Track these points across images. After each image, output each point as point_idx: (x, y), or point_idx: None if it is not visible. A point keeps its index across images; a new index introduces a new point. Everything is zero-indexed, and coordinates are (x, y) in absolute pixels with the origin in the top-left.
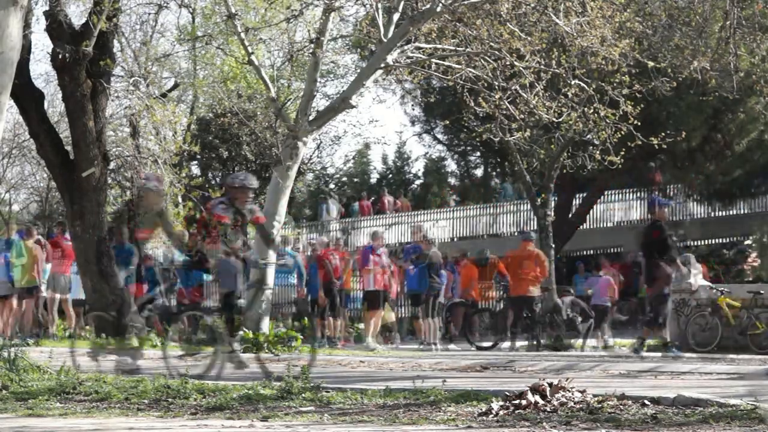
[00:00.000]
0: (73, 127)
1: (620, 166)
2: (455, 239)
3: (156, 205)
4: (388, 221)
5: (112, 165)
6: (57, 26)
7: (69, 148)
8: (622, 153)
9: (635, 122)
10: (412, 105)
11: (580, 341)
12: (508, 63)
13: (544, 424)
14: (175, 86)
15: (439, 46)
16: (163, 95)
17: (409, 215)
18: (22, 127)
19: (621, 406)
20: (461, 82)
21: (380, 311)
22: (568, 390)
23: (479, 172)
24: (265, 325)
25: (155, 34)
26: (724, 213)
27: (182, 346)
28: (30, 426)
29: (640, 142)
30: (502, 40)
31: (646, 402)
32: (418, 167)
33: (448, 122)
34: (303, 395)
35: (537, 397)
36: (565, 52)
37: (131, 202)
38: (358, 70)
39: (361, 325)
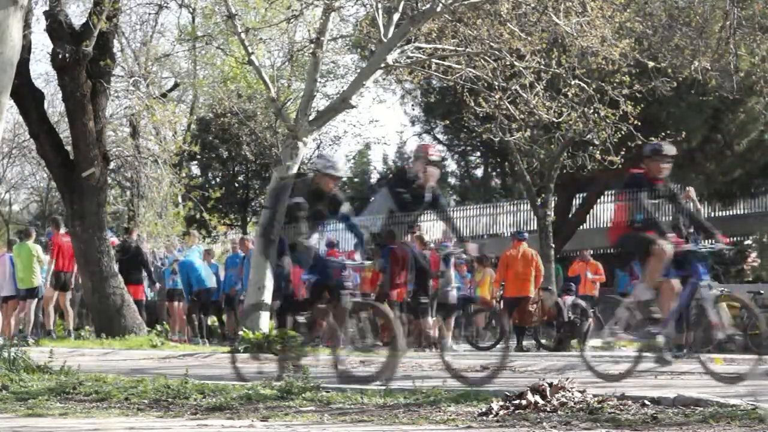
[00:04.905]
0: (73, 127)
1: (620, 166)
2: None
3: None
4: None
5: (112, 165)
6: (57, 26)
7: (69, 148)
8: (622, 153)
9: (635, 122)
10: (412, 105)
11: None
12: (508, 63)
13: (544, 424)
14: (175, 86)
15: (439, 46)
16: (163, 95)
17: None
18: (22, 127)
19: (621, 406)
20: (461, 82)
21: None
22: (568, 390)
23: (479, 172)
24: (265, 324)
25: (155, 34)
26: (724, 213)
27: None
28: (30, 426)
29: (640, 142)
30: (502, 40)
31: (646, 402)
32: None
33: (448, 122)
34: (303, 395)
35: (537, 397)
36: (565, 52)
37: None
38: (358, 70)
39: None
